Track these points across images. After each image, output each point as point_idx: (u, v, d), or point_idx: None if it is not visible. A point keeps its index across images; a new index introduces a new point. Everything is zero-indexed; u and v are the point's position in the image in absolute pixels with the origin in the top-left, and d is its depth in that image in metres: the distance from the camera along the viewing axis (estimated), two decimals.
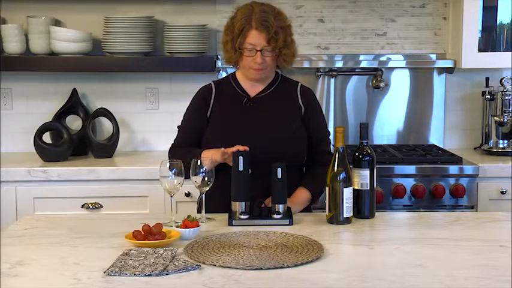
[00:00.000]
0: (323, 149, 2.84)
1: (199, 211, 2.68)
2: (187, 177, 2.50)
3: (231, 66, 2.90)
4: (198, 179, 2.50)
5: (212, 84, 2.86)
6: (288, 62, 2.78)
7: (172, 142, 2.87)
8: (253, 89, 2.81)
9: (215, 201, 2.61)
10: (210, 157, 2.56)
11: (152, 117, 4.03)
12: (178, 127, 2.89)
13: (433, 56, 4.02)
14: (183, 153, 2.66)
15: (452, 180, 3.51)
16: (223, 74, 3.85)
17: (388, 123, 4.06)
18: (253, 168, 2.54)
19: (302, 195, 2.73)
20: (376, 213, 2.62)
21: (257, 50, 2.69)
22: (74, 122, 3.97)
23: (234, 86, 2.82)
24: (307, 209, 2.77)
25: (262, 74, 2.76)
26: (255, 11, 2.71)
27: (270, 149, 2.66)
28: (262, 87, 2.82)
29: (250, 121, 2.74)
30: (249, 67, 2.74)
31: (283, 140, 2.72)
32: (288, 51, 2.74)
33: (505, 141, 3.86)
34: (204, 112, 2.80)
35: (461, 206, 3.51)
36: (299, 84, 2.88)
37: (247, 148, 2.56)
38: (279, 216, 2.51)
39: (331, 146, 2.79)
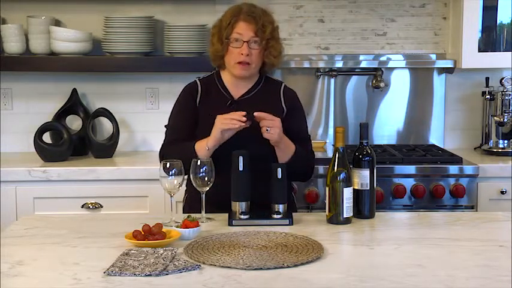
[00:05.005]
0: (305, 149, 2.83)
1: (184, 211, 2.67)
2: (188, 173, 2.51)
3: (216, 66, 2.86)
4: (198, 179, 2.50)
5: (198, 82, 2.86)
6: (276, 57, 2.77)
7: (163, 142, 2.85)
8: (237, 90, 2.81)
9: (214, 201, 2.61)
10: (205, 145, 2.57)
11: (152, 117, 4.03)
12: (166, 126, 2.89)
13: (433, 56, 4.01)
14: (178, 151, 2.66)
15: (452, 180, 3.51)
16: None
17: (388, 123, 4.06)
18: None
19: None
20: (376, 213, 2.62)
21: (244, 41, 2.71)
22: (74, 122, 3.97)
23: (219, 86, 2.82)
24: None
25: (247, 70, 2.75)
26: (243, 8, 2.76)
27: (255, 151, 2.61)
28: (246, 89, 2.81)
29: None
30: (234, 62, 2.73)
31: (267, 142, 2.69)
32: (275, 43, 2.75)
33: (505, 141, 3.86)
34: (193, 110, 2.80)
35: (461, 206, 3.51)
36: (283, 85, 2.88)
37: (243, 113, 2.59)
38: (279, 216, 2.51)
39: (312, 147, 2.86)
